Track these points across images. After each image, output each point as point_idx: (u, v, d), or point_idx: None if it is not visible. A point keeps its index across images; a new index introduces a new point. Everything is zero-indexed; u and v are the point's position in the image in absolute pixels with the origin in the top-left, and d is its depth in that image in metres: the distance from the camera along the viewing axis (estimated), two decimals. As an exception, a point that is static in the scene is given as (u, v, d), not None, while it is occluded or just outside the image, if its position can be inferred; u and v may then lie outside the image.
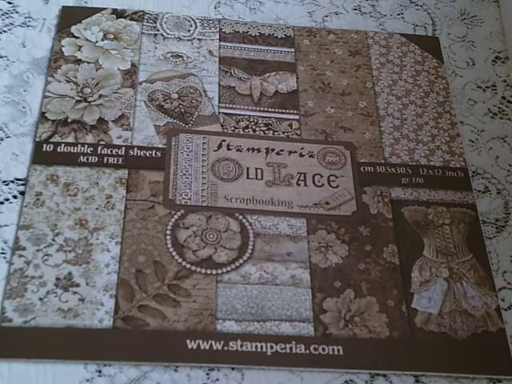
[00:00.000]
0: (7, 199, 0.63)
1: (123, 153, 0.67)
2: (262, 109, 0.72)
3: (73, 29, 0.74)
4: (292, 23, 0.79)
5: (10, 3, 0.76)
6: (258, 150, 0.69)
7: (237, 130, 0.70)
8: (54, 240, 0.61)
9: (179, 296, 0.60)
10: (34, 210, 0.62)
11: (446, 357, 0.60)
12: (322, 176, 0.68)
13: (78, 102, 0.69)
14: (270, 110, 0.72)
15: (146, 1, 0.78)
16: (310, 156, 0.69)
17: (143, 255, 0.62)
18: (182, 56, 0.75)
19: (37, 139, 0.66)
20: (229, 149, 0.69)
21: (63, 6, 0.76)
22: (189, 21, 0.77)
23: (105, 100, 0.70)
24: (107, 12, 0.76)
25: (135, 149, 0.67)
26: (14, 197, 0.63)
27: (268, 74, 0.75)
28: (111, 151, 0.67)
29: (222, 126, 0.70)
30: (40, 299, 0.58)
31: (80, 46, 0.73)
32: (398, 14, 0.83)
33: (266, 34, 0.78)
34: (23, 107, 0.69)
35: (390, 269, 0.64)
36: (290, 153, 0.69)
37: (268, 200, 0.66)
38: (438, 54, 0.79)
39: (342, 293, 0.62)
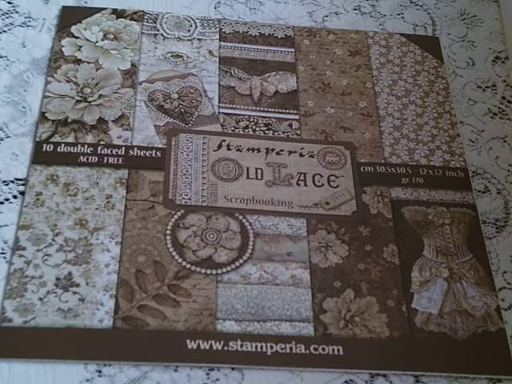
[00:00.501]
0: (7, 199, 0.63)
1: (123, 153, 0.67)
2: (262, 109, 0.72)
3: (73, 29, 0.74)
4: (292, 23, 0.79)
5: (9, 3, 0.76)
6: (258, 150, 0.69)
7: (237, 130, 0.70)
8: (53, 240, 0.61)
9: (179, 296, 0.60)
10: (33, 209, 0.62)
11: (446, 357, 0.60)
12: (321, 176, 0.68)
13: (78, 101, 0.69)
14: (269, 110, 0.72)
15: (145, 1, 0.78)
16: (309, 156, 0.69)
17: (143, 255, 0.61)
18: (182, 56, 0.75)
19: (37, 139, 0.66)
20: (229, 149, 0.69)
21: (63, 6, 0.76)
22: (189, 21, 0.77)
23: (105, 100, 0.70)
24: (107, 12, 0.76)
25: (135, 149, 0.67)
26: (14, 197, 0.63)
27: (268, 74, 0.75)
28: (111, 151, 0.67)
29: (222, 125, 0.70)
30: (40, 299, 0.58)
31: (80, 46, 0.73)
32: (398, 14, 0.83)
33: (266, 33, 0.78)
34: (23, 107, 0.69)
35: (390, 269, 0.64)
36: (289, 153, 0.69)
37: (268, 200, 0.66)
38: (437, 54, 0.79)
39: (341, 293, 0.62)
